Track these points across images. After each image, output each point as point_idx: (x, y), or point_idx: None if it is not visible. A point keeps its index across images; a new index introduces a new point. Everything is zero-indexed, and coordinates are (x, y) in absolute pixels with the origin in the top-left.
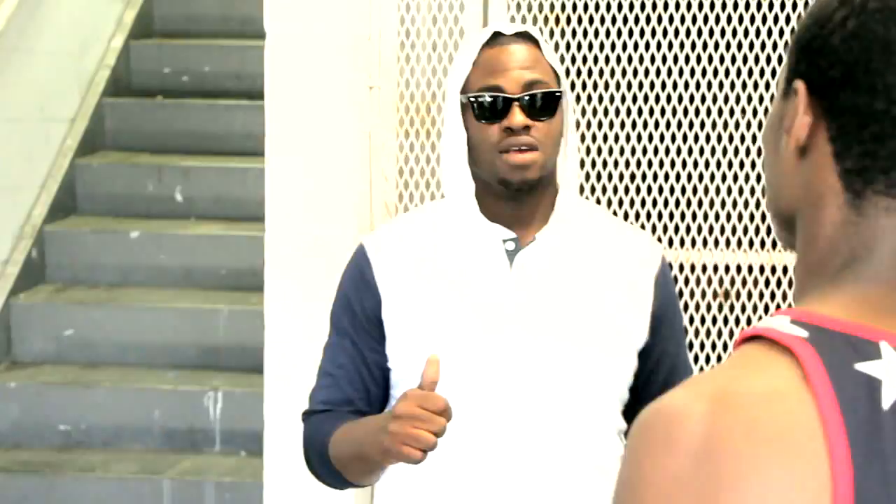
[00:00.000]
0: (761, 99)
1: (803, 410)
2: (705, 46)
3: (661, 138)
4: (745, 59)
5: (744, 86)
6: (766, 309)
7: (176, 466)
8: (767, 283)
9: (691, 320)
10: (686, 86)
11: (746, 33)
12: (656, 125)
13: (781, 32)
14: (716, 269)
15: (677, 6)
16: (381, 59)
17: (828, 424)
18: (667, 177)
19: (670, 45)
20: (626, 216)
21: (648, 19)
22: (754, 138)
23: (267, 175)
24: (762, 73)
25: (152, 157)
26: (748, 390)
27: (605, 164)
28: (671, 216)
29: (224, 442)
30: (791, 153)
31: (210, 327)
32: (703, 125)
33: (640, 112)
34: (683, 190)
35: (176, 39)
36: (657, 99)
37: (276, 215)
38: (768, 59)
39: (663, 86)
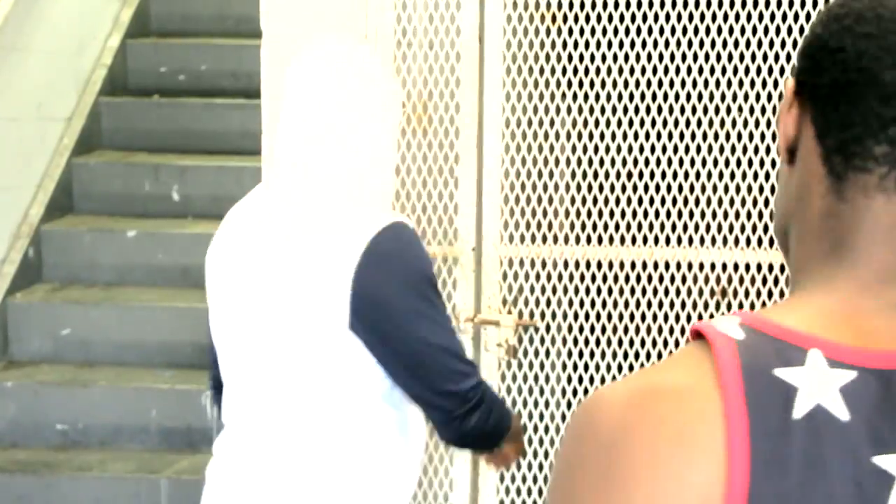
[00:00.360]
0: (758, 97)
1: (710, 411)
2: (702, 44)
3: (658, 136)
4: (741, 57)
5: (740, 83)
6: (765, 306)
7: (173, 466)
8: (765, 281)
9: (689, 319)
10: (682, 83)
11: (743, 31)
12: (653, 123)
13: (785, 26)
14: (713, 267)
15: (673, 4)
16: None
17: (731, 428)
18: (664, 174)
19: (667, 43)
20: (622, 214)
21: (645, 17)
22: (751, 136)
23: (263, 174)
24: (758, 71)
25: (149, 156)
26: (665, 385)
27: (601, 162)
28: (668, 214)
29: None
30: (785, 161)
31: (207, 326)
32: (699, 123)
33: (636, 110)
34: (681, 187)
35: (172, 38)
36: (654, 97)
37: None
38: (765, 57)
39: (660, 83)
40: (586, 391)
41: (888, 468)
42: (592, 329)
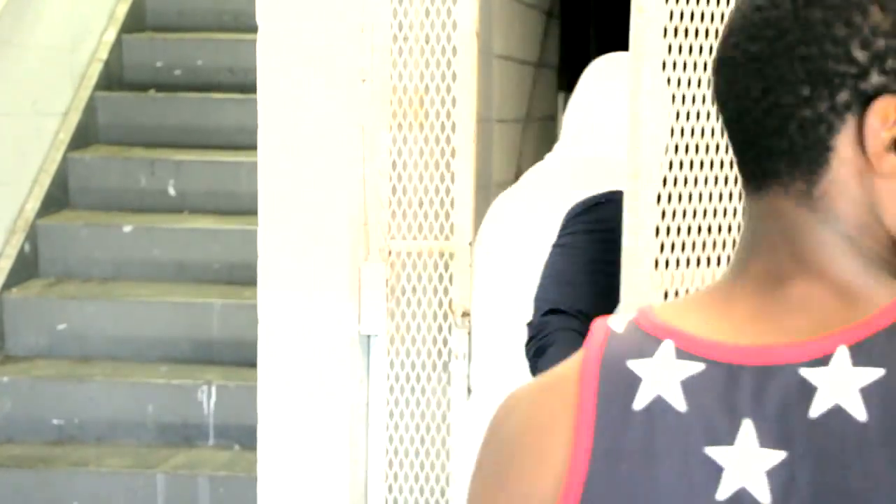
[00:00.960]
0: None
1: (569, 400)
2: None
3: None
4: None
5: None
6: None
7: (169, 461)
8: None
9: None
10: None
11: None
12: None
13: None
14: None
15: None
16: (373, 51)
17: (579, 418)
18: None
19: None
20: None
21: None
22: None
23: (259, 169)
24: None
25: (145, 150)
26: (548, 379)
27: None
28: None
29: (218, 436)
30: None
31: (203, 321)
32: None
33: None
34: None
35: (168, 33)
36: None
37: (268, 209)
38: None
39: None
40: None
41: (718, 459)
42: None
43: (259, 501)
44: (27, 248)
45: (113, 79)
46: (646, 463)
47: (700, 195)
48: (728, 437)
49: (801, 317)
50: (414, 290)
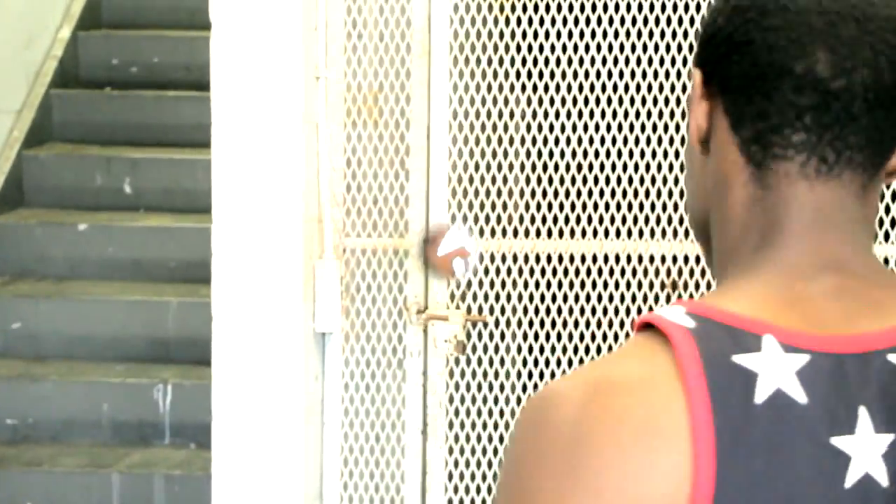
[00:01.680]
0: None
1: (673, 400)
2: (651, 35)
3: (608, 128)
4: (690, 49)
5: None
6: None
7: (125, 460)
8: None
9: (640, 312)
10: (632, 75)
11: (692, 23)
12: (602, 115)
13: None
14: (664, 259)
15: None
16: (328, 49)
17: (695, 416)
18: (613, 167)
19: (616, 34)
20: (573, 207)
21: (594, 7)
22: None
23: (213, 167)
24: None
25: (101, 148)
26: (622, 378)
27: (550, 154)
28: (618, 206)
29: (174, 435)
30: (697, 151)
31: (159, 320)
32: (649, 114)
33: (586, 101)
34: (630, 180)
35: (124, 30)
36: (603, 88)
37: (223, 207)
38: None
39: (609, 75)
40: (536, 387)
41: (844, 448)
42: (542, 324)
43: (214, 500)
44: None
45: (68, 76)
46: (779, 456)
47: (488, 164)
48: (848, 426)
49: (870, 306)
50: (368, 287)
